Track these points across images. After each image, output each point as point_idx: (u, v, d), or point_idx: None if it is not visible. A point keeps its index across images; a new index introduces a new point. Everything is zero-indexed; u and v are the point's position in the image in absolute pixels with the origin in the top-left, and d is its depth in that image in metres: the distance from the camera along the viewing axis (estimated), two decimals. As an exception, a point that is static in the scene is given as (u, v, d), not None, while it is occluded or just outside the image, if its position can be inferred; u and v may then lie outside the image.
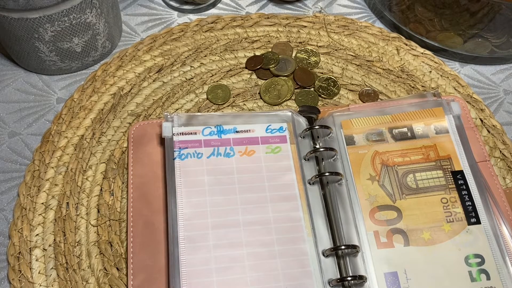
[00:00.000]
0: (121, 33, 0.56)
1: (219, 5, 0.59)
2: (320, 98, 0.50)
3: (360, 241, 0.38)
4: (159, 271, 0.38)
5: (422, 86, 0.51)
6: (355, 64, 0.52)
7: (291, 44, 0.54)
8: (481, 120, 0.48)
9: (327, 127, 0.43)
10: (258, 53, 0.53)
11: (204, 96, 0.50)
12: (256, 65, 0.52)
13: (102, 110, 0.48)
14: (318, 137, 0.44)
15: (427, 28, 0.53)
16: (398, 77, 0.51)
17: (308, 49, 0.53)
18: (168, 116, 0.42)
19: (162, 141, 0.44)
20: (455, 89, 0.51)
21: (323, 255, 0.38)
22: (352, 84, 0.51)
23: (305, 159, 0.42)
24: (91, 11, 0.47)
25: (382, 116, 0.44)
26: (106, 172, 0.44)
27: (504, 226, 0.39)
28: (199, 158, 0.41)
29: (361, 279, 0.36)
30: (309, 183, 0.41)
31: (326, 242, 0.38)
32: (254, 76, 0.52)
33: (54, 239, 0.41)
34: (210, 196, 0.39)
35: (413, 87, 0.51)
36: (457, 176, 0.41)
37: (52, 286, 0.39)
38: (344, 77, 0.51)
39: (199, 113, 0.45)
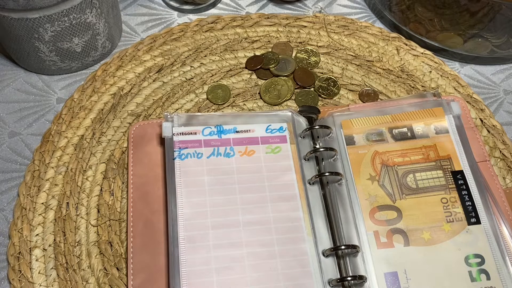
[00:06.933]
0: (121, 33, 0.56)
1: (219, 5, 0.59)
2: (320, 98, 0.50)
3: (360, 241, 0.38)
4: (159, 271, 0.38)
5: (422, 86, 0.51)
6: (355, 64, 0.52)
7: (291, 44, 0.54)
8: (481, 120, 0.48)
9: (327, 127, 0.43)
10: (258, 53, 0.53)
11: (204, 96, 0.50)
12: (256, 65, 0.52)
13: (102, 110, 0.48)
14: (318, 137, 0.44)
15: (427, 28, 0.53)
16: (398, 77, 0.51)
17: (308, 49, 0.53)
18: (168, 116, 0.42)
19: (162, 141, 0.44)
20: (455, 89, 0.51)
21: (323, 255, 0.38)
22: (352, 84, 0.51)
23: (305, 159, 0.42)
24: (91, 11, 0.47)
25: (382, 116, 0.44)
26: (106, 172, 0.44)
27: (504, 226, 0.39)
28: (199, 158, 0.41)
29: (361, 279, 0.36)
30: (309, 183, 0.41)
31: (326, 242, 0.38)
32: (254, 76, 0.52)
33: (54, 239, 0.41)
34: (210, 196, 0.39)
35: (413, 87, 0.51)
36: (457, 176, 0.41)
37: (52, 286, 0.39)
38: (344, 77, 0.51)
39: (199, 113, 0.45)
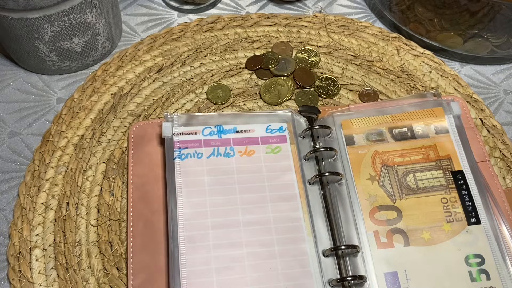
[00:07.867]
0: (121, 33, 0.56)
1: (219, 5, 0.59)
2: (320, 98, 0.50)
3: (360, 241, 0.38)
4: (159, 271, 0.38)
5: (422, 86, 0.51)
6: (355, 64, 0.52)
7: (291, 44, 0.54)
8: (481, 120, 0.48)
9: (327, 127, 0.43)
10: (258, 53, 0.53)
11: (204, 96, 0.50)
12: (256, 65, 0.52)
13: (102, 110, 0.48)
14: (318, 137, 0.44)
15: (427, 28, 0.53)
16: (398, 77, 0.51)
17: (308, 49, 0.53)
18: (168, 116, 0.42)
19: (162, 141, 0.44)
20: (455, 89, 0.51)
21: (323, 255, 0.38)
22: (352, 84, 0.51)
23: (305, 159, 0.42)
24: (91, 11, 0.47)
25: (382, 116, 0.44)
26: (106, 172, 0.44)
27: (504, 226, 0.39)
28: (199, 158, 0.41)
29: (361, 279, 0.36)
30: (309, 183, 0.41)
31: (326, 242, 0.38)
32: (254, 76, 0.52)
33: (54, 239, 0.41)
34: (210, 196, 0.39)
35: (413, 87, 0.51)
36: (457, 176, 0.41)
37: (52, 286, 0.39)
38: (344, 77, 0.51)
39: (199, 113, 0.45)
